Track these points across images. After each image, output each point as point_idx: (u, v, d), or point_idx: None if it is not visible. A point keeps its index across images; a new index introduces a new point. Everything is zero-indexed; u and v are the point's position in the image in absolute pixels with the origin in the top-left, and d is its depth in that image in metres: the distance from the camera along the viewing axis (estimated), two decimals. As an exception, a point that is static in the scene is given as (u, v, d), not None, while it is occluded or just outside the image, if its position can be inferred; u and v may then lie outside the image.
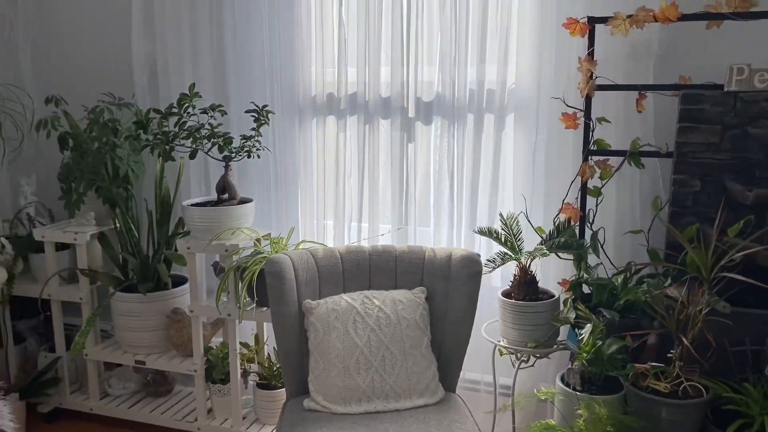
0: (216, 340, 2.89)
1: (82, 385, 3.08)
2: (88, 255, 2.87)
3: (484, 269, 2.23)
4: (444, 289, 2.25)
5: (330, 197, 2.85)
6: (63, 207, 2.78)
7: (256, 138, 2.68)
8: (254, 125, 2.66)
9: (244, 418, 2.79)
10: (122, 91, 3.06)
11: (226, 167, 2.67)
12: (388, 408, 2.10)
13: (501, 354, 2.37)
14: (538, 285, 2.33)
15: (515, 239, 2.32)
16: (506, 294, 2.33)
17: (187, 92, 2.62)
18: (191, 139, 2.57)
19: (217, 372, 2.77)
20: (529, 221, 2.43)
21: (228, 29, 2.83)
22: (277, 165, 2.89)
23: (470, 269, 2.20)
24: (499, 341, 2.33)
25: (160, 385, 3.03)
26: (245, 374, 2.83)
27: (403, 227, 2.73)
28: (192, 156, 2.57)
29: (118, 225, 2.84)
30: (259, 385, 2.78)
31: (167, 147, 2.54)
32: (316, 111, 2.82)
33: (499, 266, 2.28)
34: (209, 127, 2.58)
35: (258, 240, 2.63)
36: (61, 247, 2.93)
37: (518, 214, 2.39)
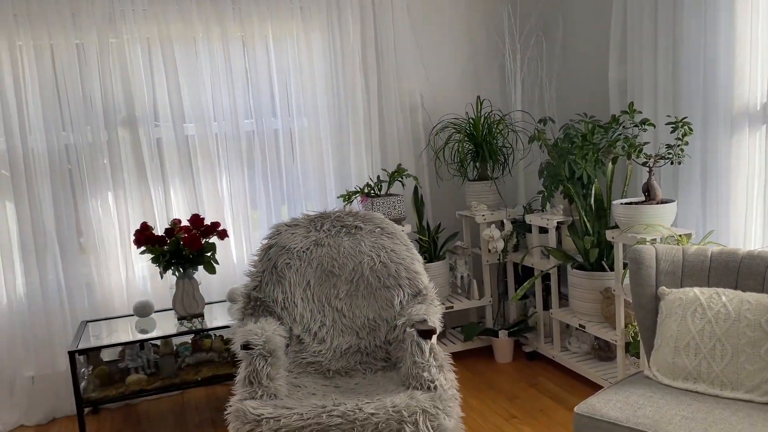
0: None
1: (551, 337, 3.99)
2: (559, 237, 3.75)
3: None
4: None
5: (758, 205, 2.93)
6: (540, 201, 3.74)
7: (679, 146, 3.04)
8: (678, 135, 3.03)
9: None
10: (599, 110, 3.80)
11: (650, 172, 3.12)
12: (710, 392, 2.29)
13: None
14: None
15: None
16: None
17: (626, 109, 3.20)
18: (620, 147, 3.15)
19: (632, 347, 3.26)
20: None
21: (683, 54, 3.22)
22: (707, 171, 3.13)
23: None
24: None
25: (603, 351, 3.67)
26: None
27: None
28: (613, 162, 3.14)
29: (575, 217, 3.62)
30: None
31: (596, 155, 3.19)
32: (752, 120, 2.94)
33: None
34: (627, 138, 3.10)
35: (670, 237, 3.00)
36: (545, 230, 3.91)
37: None
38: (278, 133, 4.03)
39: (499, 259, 4.06)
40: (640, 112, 3.24)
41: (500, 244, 3.94)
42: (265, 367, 2.49)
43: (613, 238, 3.22)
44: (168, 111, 3.80)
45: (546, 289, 4.10)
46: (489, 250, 4.07)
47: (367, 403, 2.36)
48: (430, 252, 4.07)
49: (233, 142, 3.92)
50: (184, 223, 3.74)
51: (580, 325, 3.56)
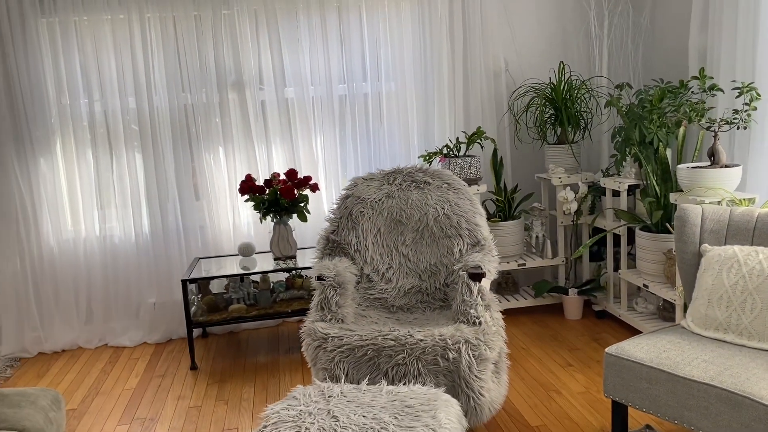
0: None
1: (620, 297, 4.13)
2: (634, 200, 3.86)
3: None
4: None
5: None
6: (614, 164, 3.86)
7: (746, 112, 3.09)
8: (746, 101, 3.07)
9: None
10: (680, 77, 3.84)
11: (715, 136, 3.19)
12: (737, 342, 2.42)
13: None
14: None
15: None
16: None
17: (697, 75, 3.27)
18: (682, 112, 3.23)
19: (691, 306, 3.36)
20: None
21: (762, 21, 3.23)
22: (776, 137, 3.15)
23: None
24: None
25: (668, 311, 3.78)
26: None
27: None
28: (677, 125, 3.23)
29: (645, 181, 3.72)
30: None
31: (662, 119, 3.29)
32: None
33: None
34: (690, 103, 3.18)
35: (729, 200, 3.08)
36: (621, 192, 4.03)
37: None
38: (367, 97, 4.39)
39: (573, 221, 4.22)
40: (711, 78, 3.28)
41: (574, 206, 4.11)
42: (334, 296, 2.89)
43: (675, 200, 3.32)
44: (271, 76, 4.26)
45: (618, 250, 4.22)
46: (564, 212, 4.24)
47: (418, 331, 2.70)
48: (505, 211, 4.31)
49: (327, 104, 4.33)
50: (282, 176, 4.21)
51: (644, 285, 3.69)
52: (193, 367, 3.83)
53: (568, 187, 4.14)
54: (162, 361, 4.00)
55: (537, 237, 4.40)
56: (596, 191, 4.23)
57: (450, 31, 4.36)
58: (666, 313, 3.78)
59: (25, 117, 4.08)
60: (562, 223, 4.28)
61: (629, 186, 3.86)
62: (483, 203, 4.39)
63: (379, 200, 3.32)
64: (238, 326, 4.44)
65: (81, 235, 4.28)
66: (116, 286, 4.33)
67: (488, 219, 4.29)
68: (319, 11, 4.23)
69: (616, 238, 4.20)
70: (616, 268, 4.18)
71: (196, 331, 4.42)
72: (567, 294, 4.21)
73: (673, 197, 3.34)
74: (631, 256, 4.22)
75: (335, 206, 3.35)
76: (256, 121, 4.31)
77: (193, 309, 3.93)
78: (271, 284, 4.10)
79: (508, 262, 4.24)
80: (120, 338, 4.30)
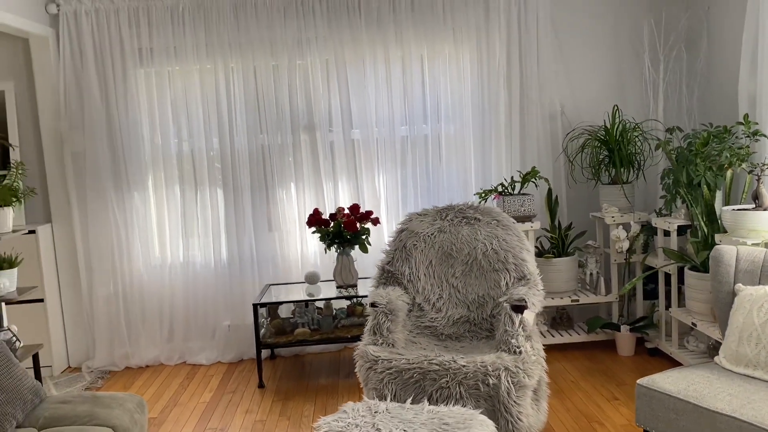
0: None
1: (671, 335, 4.19)
2: (681, 239, 3.96)
3: None
4: None
5: None
6: (663, 204, 3.99)
7: (788, 157, 3.19)
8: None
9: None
10: (728, 120, 3.94)
11: (758, 180, 3.29)
12: (765, 378, 2.52)
13: None
14: None
15: None
16: None
17: (742, 120, 3.39)
18: (724, 156, 3.35)
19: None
20: None
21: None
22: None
23: None
24: None
25: (717, 350, 3.82)
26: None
27: None
28: (719, 169, 3.35)
29: (693, 222, 3.82)
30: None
31: (705, 162, 3.42)
32: None
33: None
34: (731, 148, 3.30)
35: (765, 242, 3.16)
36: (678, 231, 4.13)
37: None
38: (428, 138, 4.69)
39: (625, 259, 4.34)
40: (756, 123, 3.40)
41: (625, 245, 4.23)
42: (385, 322, 3.17)
43: (719, 241, 3.42)
44: (339, 119, 4.64)
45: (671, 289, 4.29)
46: (616, 250, 4.37)
47: (462, 357, 2.93)
48: (558, 248, 4.47)
49: (390, 145, 4.66)
50: (346, 210, 4.55)
51: (692, 324, 3.76)
52: (261, 385, 4.17)
53: (620, 226, 4.28)
54: (233, 379, 4.36)
55: (591, 274, 4.53)
56: (649, 230, 4.34)
57: (507, 76, 4.62)
58: (715, 352, 3.83)
59: (123, 155, 4.61)
60: (615, 261, 4.40)
61: (680, 226, 3.96)
62: (537, 240, 4.57)
63: (432, 234, 3.58)
64: (303, 350, 4.77)
65: (167, 261, 4.74)
66: (195, 308, 4.76)
67: (541, 255, 4.47)
68: (384, 60, 4.59)
69: (669, 277, 4.28)
70: (669, 306, 4.25)
71: (265, 353, 4.78)
72: (619, 330, 4.31)
73: (718, 238, 3.44)
74: (683, 296, 4.28)
75: (391, 239, 3.64)
76: (325, 159, 4.68)
77: (262, 331, 4.28)
78: (334, 311, 4.41)
79: (561, 298, 4.39)
80: (197, 357, 4.71)
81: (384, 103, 4.63)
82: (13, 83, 4.62)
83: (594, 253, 4.53)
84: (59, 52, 4.55)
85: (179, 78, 4.64)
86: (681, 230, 4.07)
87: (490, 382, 2.83)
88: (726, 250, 2.88)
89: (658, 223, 4.07)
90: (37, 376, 3.57)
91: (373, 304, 3.21)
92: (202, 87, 4.63)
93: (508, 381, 2.83)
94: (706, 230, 3.68)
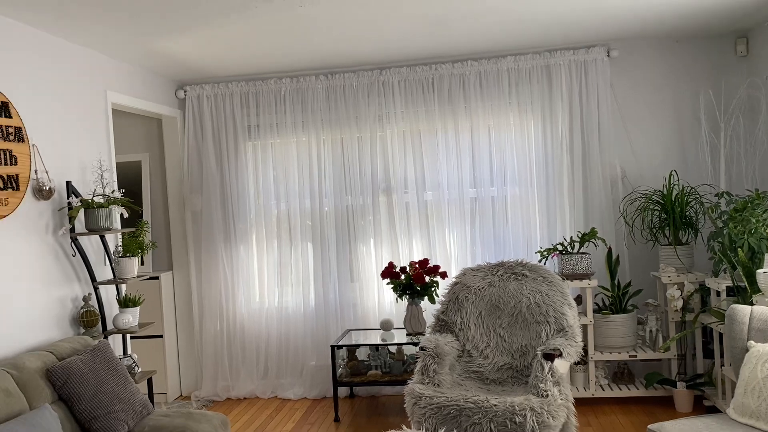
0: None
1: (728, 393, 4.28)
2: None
3: None
4: None
5: None
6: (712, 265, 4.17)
7: (817, 223, 3.36)
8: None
9: None
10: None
11: (790, 244, 3.47)
12: (765, 429, 2.72)
13: None
14: None
15: None
16: None
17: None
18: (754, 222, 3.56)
19: (777, 403, 3.54)
20: None
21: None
22: None
23: None
24: None
25: None
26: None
27: None
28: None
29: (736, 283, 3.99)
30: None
31: (742, 225, 3.63)
32: None
33: None
34: (757, 213, 3.50)
35: (797, 303, 3.32)
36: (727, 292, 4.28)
37: None
38: (494, 200, 5.15)
39: (681, 317, 4.51)
40: (791, 191, 3.58)
41: (680, 303, 4.42)
42: (432, 364, 3.62)
43: (755, 302, 3.59)
44: (414, 182, 5.22)
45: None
46: (673, 309, 4.55)
47: (495, 397, 3.32)
48: (616, 305, 4.72)
49: (459, 205, 5.16)
50: (416, 265, 5.06)
51: (740, 382, 3.89)
52: (336, 419, 4.70)
53: (675, 286, 4.47)
54: (315, 413, 4.92)
55: (651, 331, 4.72)
56: (705, 290, 4.50)
57: (570, 142, 5.01)
58: (766, 411, 3.91)
59: (232, 214, 5.44)
60: (672, 319, 4.58)
61: (728, 287, 4.12)
62: (595, 296, 4.83)
63: (482, 288, 4.02)
64: (379, 391, 5.26)
65: (264, 305, 5.46)
66: (287, 348, 5.41)
67: (599, 311, 4.73)
68: (454, 130, 5.15)
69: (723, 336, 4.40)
70: (724, 364, 4.36)
71: (345, 392, 5.32)
72: (675, 387, 4.45)
73: (755, 299, 3.61)
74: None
75: (445, 291, 4.10)
76: (400, 218, 5.25)
77: (339, 371, 4.84)
78: (405, 356, 4.89)
79: (619, 353, 4.61)
80: (287, 392, 5.34)
81: (454, 168, 5.16)
82: (148, 155, 5.61)
83: (654, 311, 4.72)
84: (185, 128, 5.50)
85: (279, 149, 5.44)
86: (730, 291, 4.22)
87: (517, 420, 3.20)
88: (739, 309, 3.10)
89: (710, 283, 4.25)
90: (150, 397, 4.32)
91: (422, 348, 3.68)
92: (298, 156, 5.39)
93: (533, 420, 3.19)
94: (749, 290, 3.85)
